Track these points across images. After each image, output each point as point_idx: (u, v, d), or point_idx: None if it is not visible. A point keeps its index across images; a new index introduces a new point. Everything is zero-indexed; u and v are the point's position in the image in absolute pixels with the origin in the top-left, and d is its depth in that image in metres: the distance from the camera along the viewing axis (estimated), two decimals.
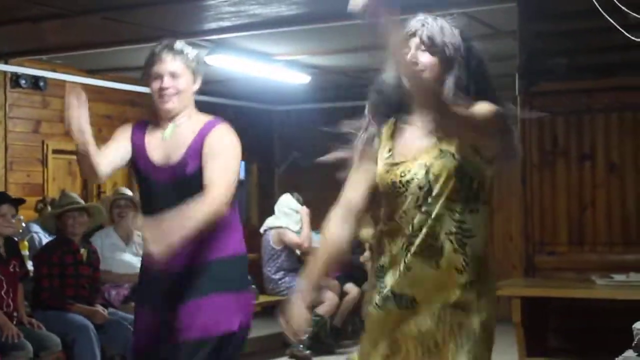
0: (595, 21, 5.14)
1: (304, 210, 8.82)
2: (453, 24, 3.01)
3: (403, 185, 2.94)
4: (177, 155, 3.61)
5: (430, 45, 2.92)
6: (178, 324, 3.57)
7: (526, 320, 5.30)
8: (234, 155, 3.63)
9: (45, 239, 7.23)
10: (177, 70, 3.66)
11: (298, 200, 8.93)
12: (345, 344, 8.37)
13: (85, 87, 9.28)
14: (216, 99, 9.90)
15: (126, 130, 3.79)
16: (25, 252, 7.04)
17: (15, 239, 6.59)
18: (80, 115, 3.44)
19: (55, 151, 9.16)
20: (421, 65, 2.91)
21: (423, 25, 2.96)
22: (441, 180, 2.89)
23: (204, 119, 3.69)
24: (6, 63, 8.58)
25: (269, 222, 8.90)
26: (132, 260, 7.01)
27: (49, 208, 7.21)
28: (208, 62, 8.18)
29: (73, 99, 3.42)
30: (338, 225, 3.07)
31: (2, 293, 5.96)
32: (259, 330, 9.27)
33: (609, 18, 4.99)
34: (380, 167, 3.02)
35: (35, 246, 7.26)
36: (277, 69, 9.08)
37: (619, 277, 5.37)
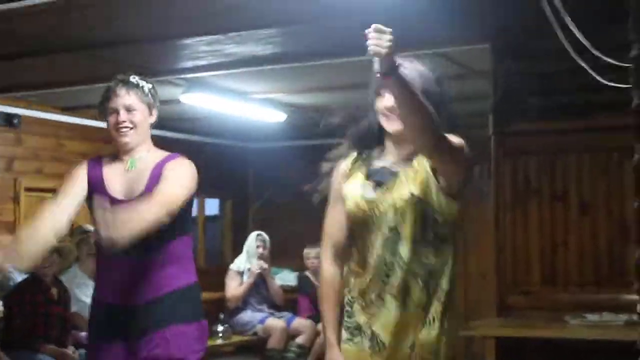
0: (567, 62, 5.19)
1: (256, 265, 8.66)
2: (426, 65, 3.07)
3: (374, 223, 2.99)
4: (138, 189, 3.61)
5: None
6: (143, 356, 3.56)
7: None
8: (187, 179, 3.63)
9: (19, 277, 7.17)
10: (132, 104, 3.70)
11: (263, 241, 8.81)
12: None
13: (61, 124, 9.29)
14: (192, 137, 9.89)
15: (79, 169, 3.79)
16: None
17: None
18: None
19: (27, 189, 9.09)
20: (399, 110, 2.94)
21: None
22: (409, 222, 2.95)
23: (163, 153, 3.73)
24: None
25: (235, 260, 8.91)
26: None
27: None
28: (183, 101, 8.19)
29: None
30: (331, 265, 3.13)
31: None
32: None
33: (579, 60, 5.04)
34: (353, 200, 3.06)
35: (8, 286, 7.18)
36: (252, 107, 9.10)
37: (592, 317, 5.39)
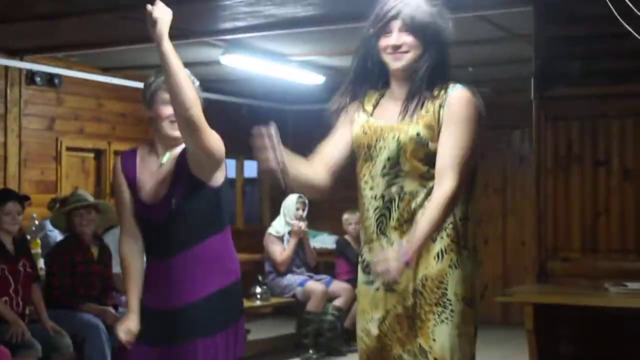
0: (611, 26, 5.10)
1: (296, 225, 8.64)
2: (431, 5, 3.08)
3: (376, 150, 3.05)
4: (164, 187, 3.57)
5: (412, 27, 3.01)
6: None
7: (538, 327, 5.27)
8: (219, 140, 3.53)
9: (60, 237, 7.23)
10: None
11: (304, 203, 8.77)
12: (355, 348, 8.31)
13: (100, 84, 9.34)
14: (231, 98, 9.88)
15: (118, 179, 3.71)
16: (38, 250, 7.03)
17: (28, 237, 6.59)
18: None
19: (69, 148, 9.17)
20: (405, 46, 3.02)
21: (404, 7, 3.03)
22: (410, 156, 2.99)
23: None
24: (21, 60, 8.60)
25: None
26: None
27: (58, 206, 7.19)
28: (223, 62, 8.17)
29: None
30: (315, 166, 3.16)
31: (11, 291, 5.95)
32: (269, 331, 9.28)
33: (624, 23, 4.95)
34: (357, 128, 3.13)
35: (50, 244, 7.25)
36: (291, 69, 9.07)
37: (633, 285, 5.33)
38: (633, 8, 4.66)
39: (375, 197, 3.04)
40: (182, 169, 3.53)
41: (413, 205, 2.99)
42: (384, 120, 3.08)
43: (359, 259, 3.19)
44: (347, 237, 9.14)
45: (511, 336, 7.92)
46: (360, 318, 3.18)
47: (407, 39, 3.01)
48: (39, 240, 7.33)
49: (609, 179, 5.96)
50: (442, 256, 2.99)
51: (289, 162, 2.93)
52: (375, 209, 3.04)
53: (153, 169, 3.64)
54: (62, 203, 6.78)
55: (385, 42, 3.05)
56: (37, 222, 7.64)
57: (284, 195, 8.99)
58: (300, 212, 8.70)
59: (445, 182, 2.92)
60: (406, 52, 3.02)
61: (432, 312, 2.99)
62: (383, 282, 2.95)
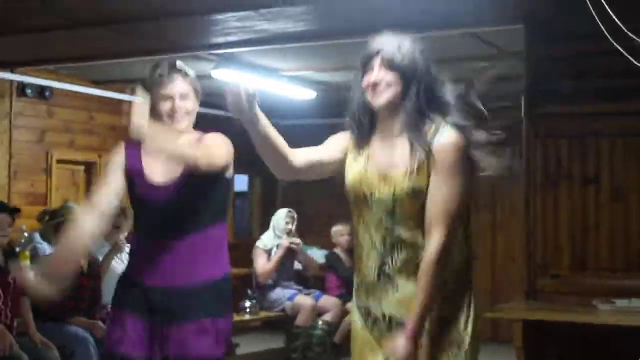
0: (601, 45, 5.12)
1: (284, 242, 8.64)
2: (414, 43, 3.06)
3: (371, 200, 3.01)
4: (175, 173, 3.61)
5: (392, 64, 2.98)
6: (175, 343, 3.57)
7: (527, 344, 5.27)
8: (226, 146, 3.65)
9: (49, 249, 7.20)
10: (187, 92, 3.69)
11: (293, 217, 8.79)
12: None
13: (91, 97, 9.33)
14: (222, 113, 9.86)
15: (118, 156, 3.76)
16: (27, 263, 7.00)
17: (16, 249, 6.56)
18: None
19: (59, 161, 9.16)
20: (384, 83, 2.99)
21: (385, 44, 3.03)
22: (409, 209, 2.96)
23: (197, 134, 3.73)
24: (12, 72, 8.59)
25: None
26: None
27: (47, 218, 7.17)
28: (214, 76, 8.19)
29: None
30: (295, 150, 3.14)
31: (0, 304, 5.93)
32: (258, 345, 9.26)
33: (614, 42, 4.98)
34: (353, 175, 3.09)
35: (39, 257, 7.22)
36: (283, 84, 9.09)
37: (621, 303, 5.35)
38: (622, 27, 4.69)
39: (374, 243, 3.02)
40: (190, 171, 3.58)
41: (414, 249, 2.97)
42: (378, 168, 3.03)
43: (355, 301, 3.14)
44: (337, 250, 9.13)
45: (500, 353, 7.90)
46: (355, 354, 3.14)
47: (387, 75, 2.99)
48: (27, 253, 7.30)
49: (598, 196, 5.98)
50: (453, 299, 3.00)
51: (264, 122, 2.95)
52: (378, 255, 3.01)
53: (156, 158, 3.68)
54: (51, 215, 6.76)
55: (367, 79, 3.03)
56: (26, 234, 7.60)
57: (274, 208, 9.00)
58: (289, 226, 8.71)
59: (433, 238, 2.89)
60: (386, 88, 2.99)
61: (446, 353, 2.98)
62: None
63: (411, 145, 2.97)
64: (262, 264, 8.55)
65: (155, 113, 3.64)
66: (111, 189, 3.68)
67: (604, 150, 5.99)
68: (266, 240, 8.72)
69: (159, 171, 3.67)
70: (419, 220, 2.95)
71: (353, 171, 3.10)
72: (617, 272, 5.87)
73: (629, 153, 5.93)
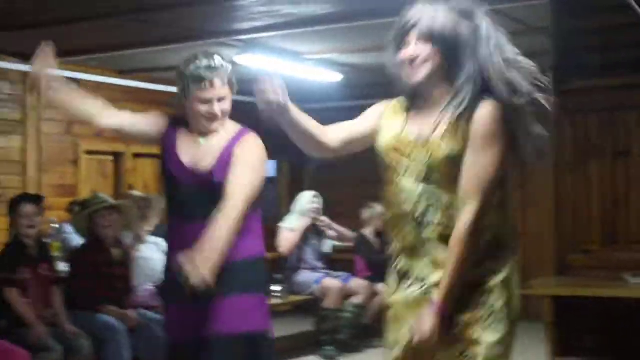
0: (627, 17, 5.09)
1: (304, 220, 8.68)
2: (453, 10, 2.94)
3: (406, 165, 2.97)
4: (206, 162, 3.66)
5: (429, 36, 2.90)
6: (209, 321, 3.62)
7: (557, 320, 5.26)
8: (256, 167, 3.68)
9: (78, 240, 7.25)
10: (226, 95, 3.71)
11: (314, 200, 8.80)
12: (374, 344, 8.32)
13: (117, 87, 9.37)
14: (247, 98, 9.86)
15: (160, 119, 3.84)
16: (57, 254, 7.05)
17: (47, 241, 6.60)
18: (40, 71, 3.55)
19: (87, 152, 9.21)
20: (421, 58, 2.91)
21: (421, 15, 2.93)
22: (445, 175, 2.91)
23: (234, 128, 3.75)
24: None
25: None
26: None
27: (78, 209, 7.21)
28: (239, 62, 8.19)
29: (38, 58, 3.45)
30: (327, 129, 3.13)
31: (32, 294, 5.98)
32: (289, 329, 9.29)
33: None
34: (389, 138, 3.04)
35: (69, 248, 7.27)
36: (308, 68, 9.07)
37: None
38: None
39: (409, 207, 2.97)
40: (227, 159, 3.63)
41: (450, 213, 2.92)
42: (416, 135, 2.98)
43: (394, 266, 3.10)
44: (365, 232, 9.12)
45: (530, 329, 7.88)
46: (393, 327, 3.10)
47: (424, 49, 2.91)
48: (58, 244, 7.36)
49: (628, 170, 5.94)
50: (482, 266, 2.94)
51: (294, 111, 2.93)
52: (413, 218, 2.97)
53: (191, 141, 3.74)
54: (82, 206, 6.80)
55: (403, 54, 2.95)
56: (56, 226, 7.67)
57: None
58: (314, 205, 8.73)
59: (467, 211, 2.87)
60: (423, 63, 2.91)
61: (477, 320, 2.93)
62: (418, 343, 2.89)
63: (450, 113, 2.91)
64: (286, 237, 8.57)
65: (192, 111, 3.67)
66: (133, 119, 3.85)
67: (633, 123, 5.95)
68: (289, 222, 8.73)
69: (187, 158, 3.70)
70: (454, 185, 2.90)
71: (389, 134, 3.05)
72: None
73: None
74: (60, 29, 7.13)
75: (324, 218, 8.79)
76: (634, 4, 4.84)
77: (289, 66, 8.81)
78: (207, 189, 3.63)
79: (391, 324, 3.12)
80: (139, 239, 7.00)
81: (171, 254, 3.77)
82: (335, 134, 3.10)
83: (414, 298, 3.02)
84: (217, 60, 3.72)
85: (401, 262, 3.06)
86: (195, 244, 3.54)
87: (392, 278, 3.12)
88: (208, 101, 3.68)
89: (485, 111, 2.88)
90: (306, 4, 6.45)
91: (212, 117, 3.69)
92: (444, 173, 2.92)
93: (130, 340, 6.11)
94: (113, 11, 6.65)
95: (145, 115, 3.88)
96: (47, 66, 3.48)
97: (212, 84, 3.67)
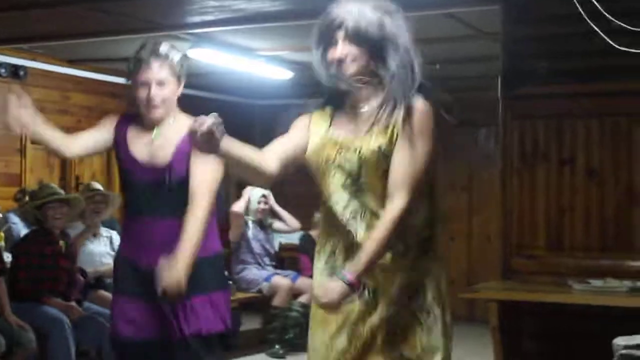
0: (578, 26, 5.14)
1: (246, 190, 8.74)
2: (378, 8, 2.96)
3: (334, 164, 2.98)
4: (163, 156, 3.62)
5: (356, 36, 2.91)
6: (173, 320, 3.58)
7: (503, 324, 5.30)
8: (217, 160, 3.63)
9: (24, 229, 7.16)
10: (164, 78, 3.65)
11: (261, 199, 8.79)
12: None
13: (66, 77, 9.26)
14: (198, 92, 9.85)
15: (110, 120, 3.81)
16: (1, 244, 6.96)
17: None
18: (20, 112, 3.40)
19: (33, 141, 9.07)
20: (349, 58, 2.92)
21: (347, 14, 2.94)
22: (371, 171, 2.93)
23: (186, 121, 3.67)
24: None
25: None
26: (96, 251, 7.00)
27: (27, 198, 7.12)
28: (190, 56, 8.14)
29: (13, 98, 3.41)
30: (265, 154, 3.05)
31: None
32: (235, 326, 9.26)
33: (591, 23, 4.99)
34: (315, 142, 3.04)
35: (13, 237, 7.19)
36: (259, 64, 9.05)
37: (596, 283, 5.38)
38: (599, 7, 4.70)
39: (337, 211, 2.99)
40: (184, 152, 3.62)
41: (377, 217, 2.93)
42: (344, 133, 3.00)
43: (326, 265, 3.11)
44: (312, 233, 9.14)
45: (476, 332, 7.95)
46: (319, 330, 3.10)
47: (351, 49, 2.92)
48: (2, 234, 7.26)
49: (574, 177, 6.00)
50: (419, 267, 2.98)
51: (232, 146, 2.85)
52: (342, 223, 2.98)
53: (143, 137, 3.71)
54: (31, 196, 6.71)
55: (331, 54, 2.96)
56: (0, 215, 7.56)
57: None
58: (262, 205, 8.72)
59: (395, 201, 2.87)
60: (352, 62, 2.92)
61: (416, 319, 2.98)
62: (325, 310, 2.92)
63: (378, 110, 2.93)
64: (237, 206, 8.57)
65: (135, 99, 3.64)
66: (91, 136, 3.77)
67: (580, 131, 6.01)
68: (239, 206, 8.70)
69: (141, 153, 3.66)
70: (382, 189, 2.92)
71: (315, 139, 3.05)
72: (592, 252, 5.90)
73: (605, 134, 5.95)
74: (8, 15, 7.03)
75: (274, 205, 8.83)
76: (584, 13, 4.89)
77: (240, 62, 8.79)
78: (165, 186, 3.60)
79: (317, 325, 3.11)
80: (91, 230, 6.94)
81: (126, 248, 3.74)
82: (272, 158, 3.03)
83: (355, 308, 3.01)
84: (163, 47, 3.69)
85: (333, 262, 3.07)
86: (152, 239, 3.53)
87: (323, 276, 3.10)
88: (145, 83, 3.63)
89: (416, 107, 2.90)
90: (257, 0, 6.42)
91: (150, 102, 3.63)
92: (373, 169, 2.91)
93: (74, 333, 6.05)
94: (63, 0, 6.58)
95: (99, 126, 3.84)
96: (25, 106, 3.41)
97: (149, 66, 3.63)
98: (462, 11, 6.70)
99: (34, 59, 8.95)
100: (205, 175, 3.59)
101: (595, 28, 5.02)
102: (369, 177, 2.94)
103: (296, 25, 7.22)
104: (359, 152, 2.93)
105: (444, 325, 3.02)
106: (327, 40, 2.97)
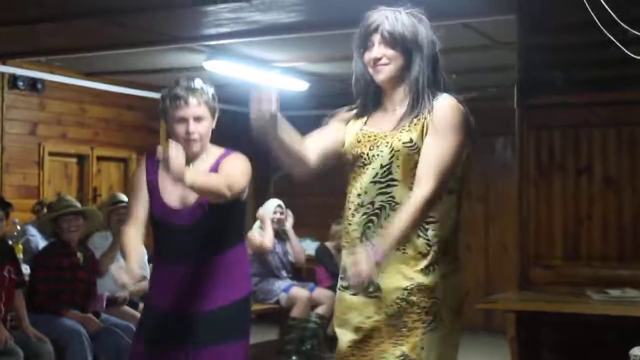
0: (594, 35, 5.13)
1: (265, 213, 8.65)
2: (416, 16, 3.14)
3: (368, 158, 3.07)
4: (194, 195, 3.59)
5: (392, 39, 3.06)
6: None
7: (520, 334, 5.28)
8: (245, 168, 3.69)
9: (42, 242, 7.18)
10: (202, 114, 3.67)
11: (277, 209, 8.76)
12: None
13: (83, 89, 9.31)
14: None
15: (140, 175, 3.77)
16: (20, 256, 6.98)
17: (10, 242, 6.53)
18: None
19: (51, 153, 9.14)
20: (385, 59, 3.07)
21: (384, 19, 3.09)
22: (402, 165, 3.01)
23: (217, 152, 3.73)
24: (4, 64, 8.57)
25: None
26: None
27: (45, 210, 7.14)
28: (206, 68, 8.16)
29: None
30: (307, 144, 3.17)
31: None
32: (252, 337, 9.25)
33: (607, 33, 4.98)
34: (351, 136, 3.16)
35: (32, 249, 7.21)
36: (275, 76, 9.07)
37: (615, 293, 5.35)
38: (615, 17, 4.69)
39: (363, 204, 3.04)
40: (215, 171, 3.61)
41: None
42: (377, 129, 3.11)
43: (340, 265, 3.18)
44: (328, 244, 9.12)
45: (493, 342, 7.93)
46: (336, 324, 3.19)
47: (387, 51, 3.07)
48: (20, 245, 7.29)
49: (591, 186, 5.98)
50: (434, 268, 3.01)
51: (283, 127, 3.03)
52: (363, 215, 3.04)
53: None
54: (49, 208, 6.73)
55: (368, 56, 3.11)
56: (19, 227, 7.59)
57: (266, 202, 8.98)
58: (277, 215, 8.68)
59: (422, 186, 2.94)
60: (386, 64, 3.07)
61: (422, 320, 2.99)
62: (354, 285, 2.92)
63: (411, 106, 3.05)
64: (259, 234, 8.52)
65: (173, 135, 3.65)
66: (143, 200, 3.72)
67: (596, 140, 5.99)
68: (256, 230, 8.68)
69: (173, 197, 3.65)
70: (411, 183, 2.99)
71: (351, 133, 3.17)
72: (609, 262, 5.88)
73: (622, 143, 5.94)
74: (26, 29, 7.08)
75: (288, 227, 8.76)
76: (599, 23, 4.88)
77: (256, 74, 8.80)
78: (199, 224, 3.60)
79: (334, 320, 3.20)
80: (117, 245, 6.89)
81: (154, 294, 3.73)
82: (313, 150, 3.16)
83: (353, 300, 3.09)
84: (197, 82, 3.72)
85: (345, 259, 3.11)
86: (179, 286, 3.52)
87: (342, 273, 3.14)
88: (183, 119, 3.64)
89: (446, 102, 3.05)
90: (273, 12, 6.44)
91: (189, 137, 3.63)
92: (404, 163, 3.00)
93: (91, 345, 6.06)
94: (81, 13, 6.61)
95: (136, 193, 3.80)
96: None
97: (186, 102, 3.64)
98: (478, 21, 6.70)
99: (51, 72, 9.00)
100: (232, 171, 3.58)
101: (611, 37, 5.01)
102: (400, 171, 3.01)
103: (311, 37, 7.24)
104: (391, 145, 3.03)
105: (449, 332, 3.04)
106: (365, 43, 3.13)
